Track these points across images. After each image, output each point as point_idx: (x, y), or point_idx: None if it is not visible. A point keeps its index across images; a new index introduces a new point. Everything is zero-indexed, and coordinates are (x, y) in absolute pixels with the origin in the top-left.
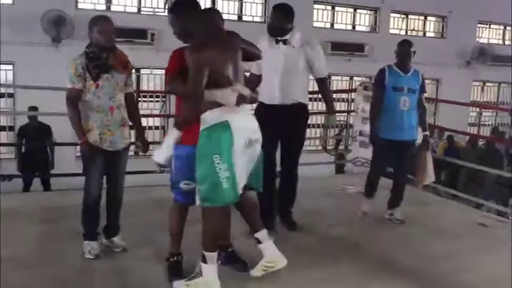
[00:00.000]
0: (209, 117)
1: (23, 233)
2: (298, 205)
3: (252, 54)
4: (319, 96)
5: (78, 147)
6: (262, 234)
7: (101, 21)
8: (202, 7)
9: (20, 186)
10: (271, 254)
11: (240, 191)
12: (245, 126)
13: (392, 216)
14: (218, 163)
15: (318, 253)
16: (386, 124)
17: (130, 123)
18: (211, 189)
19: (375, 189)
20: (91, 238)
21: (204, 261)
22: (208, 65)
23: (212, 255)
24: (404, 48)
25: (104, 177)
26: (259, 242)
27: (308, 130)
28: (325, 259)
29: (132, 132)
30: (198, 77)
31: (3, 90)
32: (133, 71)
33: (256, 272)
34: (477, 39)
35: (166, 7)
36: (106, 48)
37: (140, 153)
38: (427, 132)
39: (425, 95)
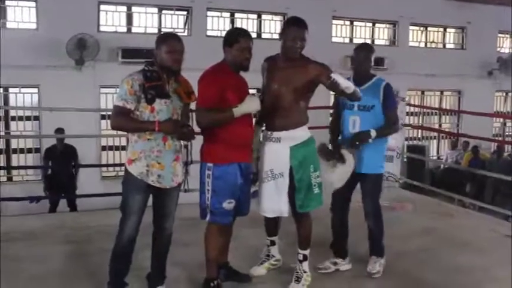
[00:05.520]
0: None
1: (49, 253)
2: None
3: None
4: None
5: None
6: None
7: (171, 39)
8: (221, 26)
9: (47, 207)
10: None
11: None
12: None
13: (369, 268)
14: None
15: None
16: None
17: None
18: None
19: (341, 241)
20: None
21: (305, 259)
22: None
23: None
24: (356, 55)
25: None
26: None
27: None
28: (348, 274)
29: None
30: None
31: (29, 113)
32: None
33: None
34: (498, 49)
35: (187, 27)
36: (171, 70)
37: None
38: (374, 133)
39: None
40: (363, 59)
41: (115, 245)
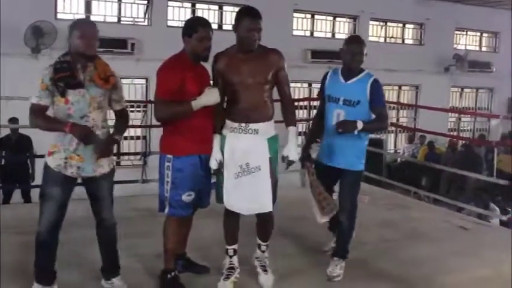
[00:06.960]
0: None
1: (2, 244)
2: (283, 213)
3: None
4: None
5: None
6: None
7: (83, 24)
8: (182, 16)
9: (0, 198)
10: None
11: None
12: None
13: (329, 270)
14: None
15: (301, 260)
16: (322, 143)
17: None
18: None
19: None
20: (41, 281)
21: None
22: None
23: None
24: (349, 48)
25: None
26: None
27: None
28: (307, 264)
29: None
30: None
31: None
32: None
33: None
34: (454, 45)
35: (147, 17)
36: (85, 56)
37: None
38: (361, 125)
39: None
40: (357, 53)
41: (36, 235)
